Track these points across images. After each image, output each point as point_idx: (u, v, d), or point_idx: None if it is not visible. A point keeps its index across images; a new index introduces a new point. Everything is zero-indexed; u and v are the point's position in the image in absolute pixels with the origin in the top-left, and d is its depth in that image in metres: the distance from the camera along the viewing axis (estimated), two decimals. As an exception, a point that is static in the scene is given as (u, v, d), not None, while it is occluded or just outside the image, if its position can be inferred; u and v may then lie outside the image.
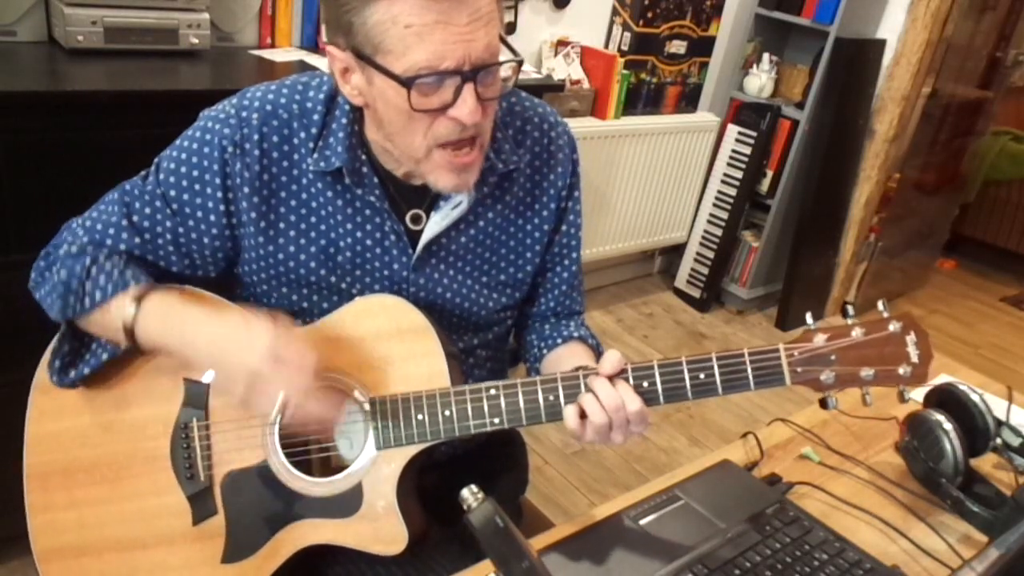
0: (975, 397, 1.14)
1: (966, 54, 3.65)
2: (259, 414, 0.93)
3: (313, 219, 0.99)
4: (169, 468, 0.98)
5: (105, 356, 0.97)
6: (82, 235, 0.98)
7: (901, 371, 0.86)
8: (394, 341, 0.96)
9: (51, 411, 1.00)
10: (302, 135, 0.97)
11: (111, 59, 1.71)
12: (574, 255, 1.14)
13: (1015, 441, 1.22)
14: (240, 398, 0.88)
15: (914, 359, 0.86)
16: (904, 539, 1.04)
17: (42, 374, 1.00)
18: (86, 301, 0.93)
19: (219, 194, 0.97)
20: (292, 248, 1.00)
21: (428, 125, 0.87)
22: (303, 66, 2.02)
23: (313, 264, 1.00)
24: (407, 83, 0.82)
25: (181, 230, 0.98)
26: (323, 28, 0.92)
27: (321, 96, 0.98)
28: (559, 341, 1.13)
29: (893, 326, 0.86)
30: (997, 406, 1.26)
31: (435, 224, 1.00)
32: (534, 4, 2.77)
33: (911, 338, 0.86)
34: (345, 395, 0.94)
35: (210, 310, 0.92)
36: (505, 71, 0.90)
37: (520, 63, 0.91)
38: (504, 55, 0.88)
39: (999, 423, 1.18)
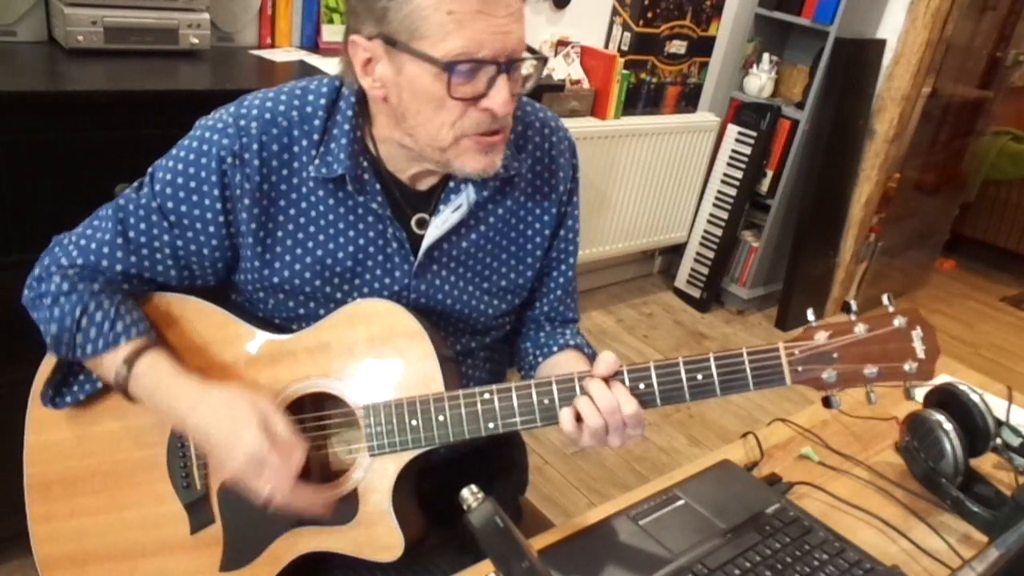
0: (975, 397, 1.14)
1: (966, 54, 3.65)
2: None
3: (312, 229, 0.98)
4: (166, 477, 0.98)
5: (100, 384, 0.98)
6: (76, 256, 0.96)
7: (907, 367, 0.84)
8: (387, 345, 0.95)
9: (49, 421, 1.00)
10: (303, 143, 0.96)
11: (111, 59, 1.71)
12: (571, 260, 1.14)
13: (1015, 441, 1.22)
14: (230, 482, 0.92)
15: (920, 355, 0.84)
16: (904, 539, 1.04)
17: (39, 386, 1.00)
18: (77, 352, 0.94)
19: (218, 205, 0.95)
20: (289, 258, 0.99)
21: (457, 116, 0.87)
22: (303, 66, 2.02)
23: (308, 274, 0.99)
24: (449, 68, 0.83)
25: (179, 243, 0.97)
26: (348, 18, 0.91)
27: (322, 101, 0.96)
28: (555, 349, 1.12)
29: (898, 321, 0.84)
30: (997, 406, 1.26)
31: (435, 228, 0.99)
32: (534, 4, 2.77)
33: (917, 333, 0.84)
34: (333, 488, 0.94)
35: (198, 391, 0.91)
36: (527, 68, 0.91)
37: (544, 61, 0.92)
38: (530, 55, 0.89)
39: (999, 423, 1.18)
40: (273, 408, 0.91)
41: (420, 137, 0.90)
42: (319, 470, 1.00)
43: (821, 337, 0.85)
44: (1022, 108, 4.55)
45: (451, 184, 0.99)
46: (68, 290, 0.94)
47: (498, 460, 1.23)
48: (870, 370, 0.84)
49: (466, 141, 0.89)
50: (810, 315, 0.89)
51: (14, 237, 1.50)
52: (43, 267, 0.98)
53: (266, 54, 2.07)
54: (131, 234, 0.96)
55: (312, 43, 2.22)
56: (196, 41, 1.81)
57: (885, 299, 0.86)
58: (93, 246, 0.96)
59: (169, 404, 0.92)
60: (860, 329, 0.84)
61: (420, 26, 0.82)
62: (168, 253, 0.98)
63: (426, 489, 1.02)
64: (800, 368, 0.85)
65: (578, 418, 0.89)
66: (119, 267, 0.96)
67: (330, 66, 1.97)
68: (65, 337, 0.93)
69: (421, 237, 1.01)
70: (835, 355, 0.85)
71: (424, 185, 1.00)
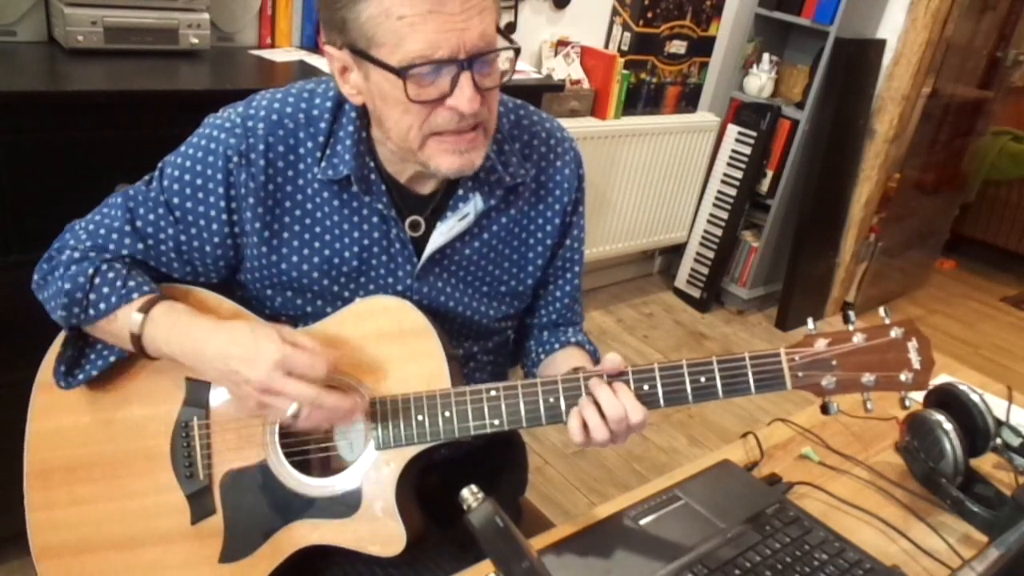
0: (975, 397, 1.14)
1: (966, 54, 3.65)
2: (270, 421, 0.95)
3: (317, 229, 0.99)
4: (169, 467, 0.98)
5: (113, 358, 0.97)
6: (85, 239, 0.97)
7: (903, 377, 0.86)
8: (395, 342, 0.96)
9: (53, 409, 1.00)
10: (308, 144, 0.96)
11: (111, 59, 1.71)
12: (576, 269, 1.14)
13: (1015, 441, 1.22)
14: (250, 411, 0.90)
15: (916, 365, 0.86)
16: (904, 539, 1.04)
17: (44, 372, 1.00)
18: (90, 311, 0.93)
19: (222, 203, 0.96)
20: (295, 258, 0.99)
21: (425, 116, 0.87)
22: (303, 66, 2.02)
23: (316, 274, 1.00)
24: (402, 73, 0.82)
25: (183, 238, 0.98)
26: (321, 30, 0.92)
27: (328, 104, 0.97)
28: (556, 347, 1.13)
29: (895, 332, 0.86)
30: (997, 406, 1.26)
31: (440, 235, 1.00)
32: (534, 4, 2.77)
33: (913, 344, 0.86)
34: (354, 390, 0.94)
35: (215, 322, 0.91)
36: (503, 62, 0.89)
37: (517, 51, 0.90)
38: (502, 46, 0.87)
39: (999, 423, 1.18)
40: (289, 327, 0.91)
41: (394, 138, 0.91)
42: (323, 464, 1.00)
43: (821, 344, 0.87)
44: (1022, 108, 4.55)
45: (459, 192, 0.99)
46: (79, 259, 0.96)
47: (498, 460, 1.23)
48: (867, 378, 0.87)
49: (435, 143, 0.89)
50: (810, 323, 0.91)
51: (14, 237, 1.50)
52: (52, 250, 0.99)
53: (266, 54, 2.07)
54: (138, 224, 0.98)
55: (312, 43, 2.21)
56: (196, 41, 1.81)
57: (882, 311, 0.89)
58: (103, 231, 0.97)
59: (186, 340, 0.91)
60: (858, 338, 0.87)
61: (376, 34, 0.82)
62: (172, 246, 0.98)
63: (427, 488, 1.03)
64: (800, 374, 0.87)
65: (584, 427, 0.89)
66: (126, 252, 0.98)
67: (330, 66, 1.96)
68: (78, 296, 0.93)
69: (421, 239, 1.01)
70: (834, 362, 0.87)
71: (425, 189, 1.00)
